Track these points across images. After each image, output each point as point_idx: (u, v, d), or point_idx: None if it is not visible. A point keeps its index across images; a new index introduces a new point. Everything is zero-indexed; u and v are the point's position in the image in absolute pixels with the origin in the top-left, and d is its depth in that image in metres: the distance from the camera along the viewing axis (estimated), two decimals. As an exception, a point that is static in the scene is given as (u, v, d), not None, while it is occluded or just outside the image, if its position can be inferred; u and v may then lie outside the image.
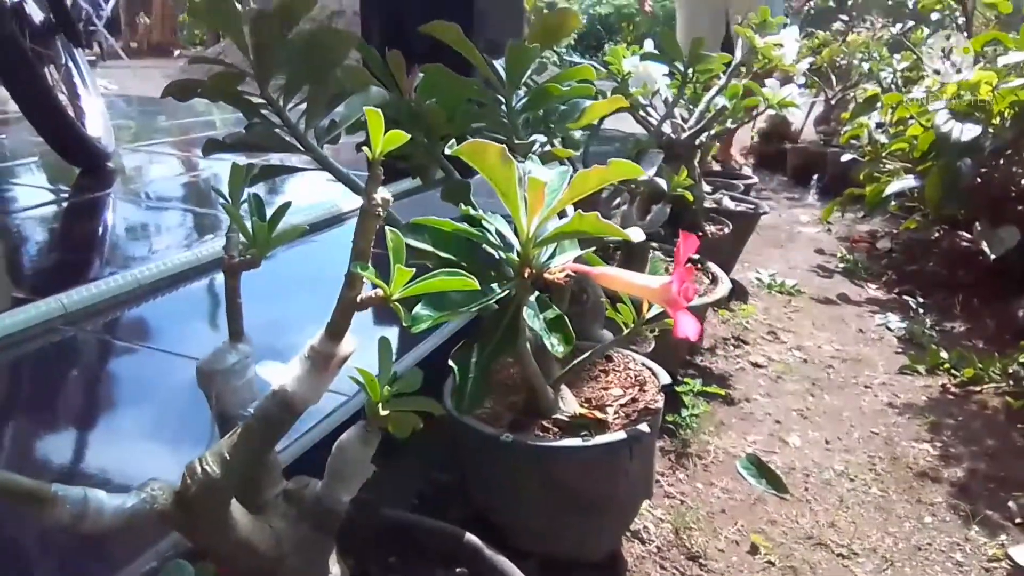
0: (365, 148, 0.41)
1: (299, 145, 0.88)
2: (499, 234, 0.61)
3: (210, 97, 0.87)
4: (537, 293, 0.62)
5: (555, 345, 0.58)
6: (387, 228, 0.44)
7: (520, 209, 0.55)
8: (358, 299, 0.43)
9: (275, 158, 1.13)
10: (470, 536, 0.77)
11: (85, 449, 0.93)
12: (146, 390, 1.09)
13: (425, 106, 0.95)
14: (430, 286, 0.44)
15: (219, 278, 1.11)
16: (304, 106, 0.88)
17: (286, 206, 0.53)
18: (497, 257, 0.59)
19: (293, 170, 0.80)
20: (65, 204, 2.03)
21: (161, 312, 1.36)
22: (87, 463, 0.90)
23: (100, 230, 1.86)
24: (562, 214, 0.58)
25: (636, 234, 0.51)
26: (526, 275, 0.58)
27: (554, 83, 0.80)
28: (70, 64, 2.28)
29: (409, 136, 0.43)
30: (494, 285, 0.58)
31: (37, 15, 2.12)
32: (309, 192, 1.99)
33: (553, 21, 0.78)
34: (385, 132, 0.42)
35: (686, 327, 0.54)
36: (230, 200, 0.55)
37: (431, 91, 0.96)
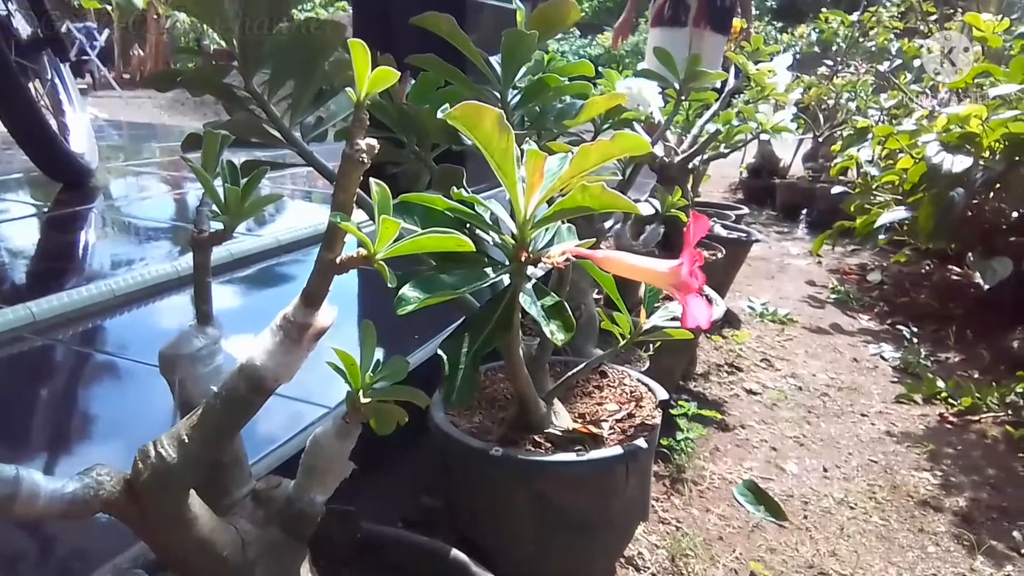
0: (349, 89, 0.37)
1: (283, 138, 0.84)
2: (494, 218, 0.57)
3: (192, 88, 0.84)
4: (535, 281, 0.58)
5: (555, 332, 0.53)
6: (372, 180, 0.40)
7: (517, 186, 0.51)
8: (337, 260, 0.39)
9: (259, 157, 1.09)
10: (457, 552, 0.71)
11: (46, 459, 0.87)
12: (114, 399, 1.03)
13: (416, 110, 0.92)
14: (419, 244, 0.39)
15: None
16: (290, 102, 0.84)
17: (263, 170, 0.49)
18: (491, 241, 0.55)
19: (279, 165, 0.76)
20: (44, 217, 1.97)
21: (135, 323, 1.30)
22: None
23: (78, 243, 1.80)
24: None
25: (645, 207, 0.47)
26: (523, 259, 0.54)
27: (553, 75, 0.77)
28: (56, 80, 2.24)
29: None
30: (488, 270, 0.54)
31: (24, 28, 2.08)
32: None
33: (552, 11, 0.74)
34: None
35: (697, 313, 0.49)
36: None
37: (423, 96, 0.92)
